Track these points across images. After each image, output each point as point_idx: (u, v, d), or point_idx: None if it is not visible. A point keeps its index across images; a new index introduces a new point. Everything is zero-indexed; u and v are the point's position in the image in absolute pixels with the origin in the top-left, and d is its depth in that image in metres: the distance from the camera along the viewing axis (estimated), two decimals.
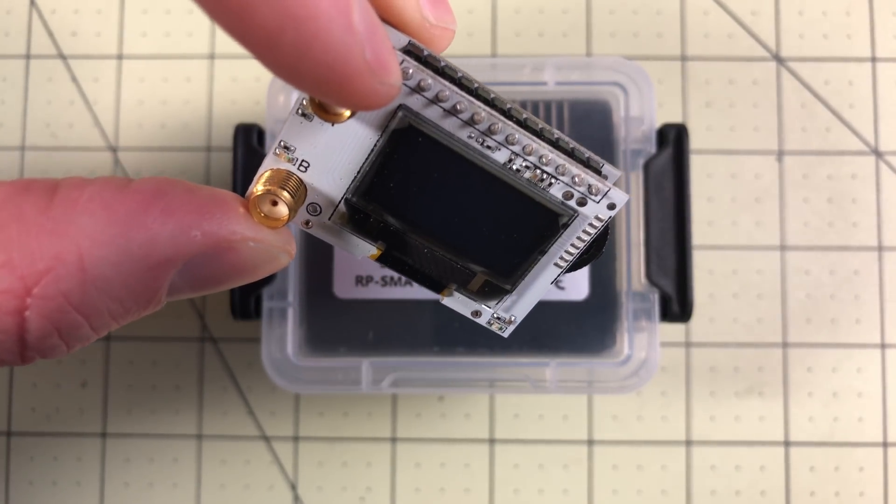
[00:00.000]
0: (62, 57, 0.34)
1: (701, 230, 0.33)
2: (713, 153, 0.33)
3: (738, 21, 0.34)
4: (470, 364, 0.29)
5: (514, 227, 0.17)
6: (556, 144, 0.16)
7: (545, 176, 0.16)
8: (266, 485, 0.32)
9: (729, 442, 0.32)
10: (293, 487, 0.33)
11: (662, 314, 0.28)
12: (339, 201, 0.17)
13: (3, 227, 0.14)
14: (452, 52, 0.16)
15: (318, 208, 0.17)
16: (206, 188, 0.16)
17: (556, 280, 0.18)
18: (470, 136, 0.16)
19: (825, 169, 0.33)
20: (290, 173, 0.16)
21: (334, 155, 0.16)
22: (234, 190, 0.29)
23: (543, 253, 0.17)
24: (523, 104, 0.29)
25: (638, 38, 0.34)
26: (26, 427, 0.33)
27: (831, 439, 0.32)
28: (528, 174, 0.16)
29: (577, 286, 0.29)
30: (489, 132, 0.16)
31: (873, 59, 0.34)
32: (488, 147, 0.16)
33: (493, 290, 0.18)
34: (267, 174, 0.16)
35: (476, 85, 0.16)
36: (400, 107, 0.16)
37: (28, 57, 0.34)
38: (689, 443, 0.32)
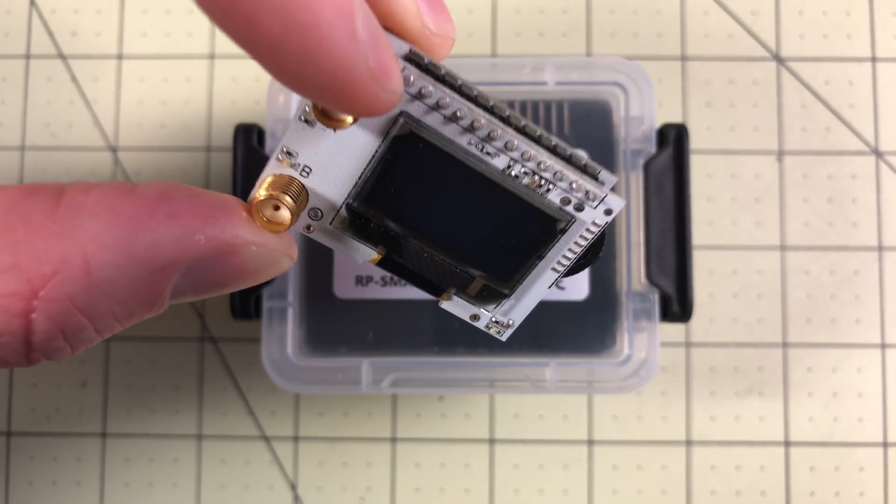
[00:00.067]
0: (62, 57, 0.34)
1: (701, 230, 0.33)
2: (713, 153, 0.33)
3: (738, 21, 0.34)
4: (470, 364, 0.29)
5: (512, 232, 0.17)
6: (553, 150, 0.16)
7: (543, 182, 0.16)
8: (266, 485, 0.33)
9: (729, 442, 0.32)
10: (293, 487, 0.33)
11: (662, 314, 0.28)
12: (341, 206, 0.17)
13: (10, 230, 0.14)
14: (452, 52, 0.16)
15: (320, 213, 0.17)
16: (210, 193, 0.16)
17: (553, 284, 0.18)
18: (470, 143, 0.16)
19: (825, 169, 0.33)
20: (292, 178, 0.16)
21: (336, 160, 0.16)
22: (234, 189, 0.29)
23: (541, 258, 0.18)
24: (523, 104, 0.29)
25: (638, 38, 0.34)
26: (26, 427, 0.33)
27: (831, 439, 0.32)
28: (526, 180, 0.16)
29: (577, 286, 0.29)
30: (489, 138, 0.16)
31: (873, 59, 0.34)
32: (488, 153, 0.16)
33: (491, 295, 0.18)
34: (269, 179, 0.16)
35: (476, 92, 0.16)
36: (401, 113, 0.16)
37: (28, 57, 0.34)
38: (689, 443, 0.32)
